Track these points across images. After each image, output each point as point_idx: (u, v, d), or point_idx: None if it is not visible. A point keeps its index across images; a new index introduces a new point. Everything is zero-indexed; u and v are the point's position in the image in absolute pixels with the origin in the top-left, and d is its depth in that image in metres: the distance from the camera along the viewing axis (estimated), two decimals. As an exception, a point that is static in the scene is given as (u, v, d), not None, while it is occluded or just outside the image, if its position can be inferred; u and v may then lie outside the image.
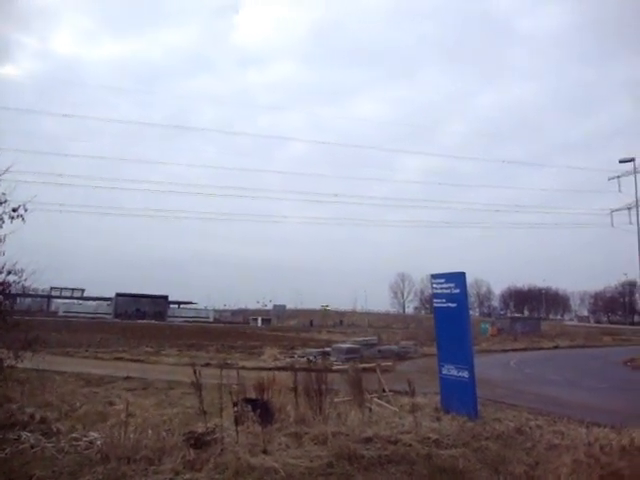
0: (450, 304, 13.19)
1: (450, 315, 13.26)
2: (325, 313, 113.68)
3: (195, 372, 9.73)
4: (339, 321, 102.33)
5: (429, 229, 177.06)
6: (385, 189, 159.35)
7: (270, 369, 19.78)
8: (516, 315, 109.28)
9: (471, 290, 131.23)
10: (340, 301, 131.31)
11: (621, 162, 37.67)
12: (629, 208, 51.30)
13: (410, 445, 10.61)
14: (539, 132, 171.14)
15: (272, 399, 12.23)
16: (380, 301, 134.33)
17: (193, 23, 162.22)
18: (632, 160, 36.54)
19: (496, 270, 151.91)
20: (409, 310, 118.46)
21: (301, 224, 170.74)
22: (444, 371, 13.57)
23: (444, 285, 13.30)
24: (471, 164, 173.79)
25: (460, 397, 12.94)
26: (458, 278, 13.06)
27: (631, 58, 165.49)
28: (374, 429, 11.31)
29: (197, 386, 9.98)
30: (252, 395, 11.98)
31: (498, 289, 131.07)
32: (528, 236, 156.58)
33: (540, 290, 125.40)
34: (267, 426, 10.88)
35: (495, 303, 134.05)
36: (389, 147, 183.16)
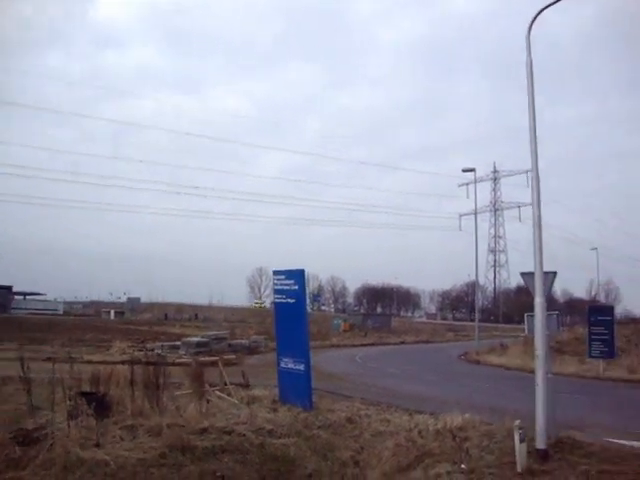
0: (289, 300, 13.64)
1: (289, 310, 13.71)
2: (179, 307, 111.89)
3: (23, 366, 9.44)
4: (194, 315, 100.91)
5: (289, 225, 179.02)
6: (245, 183, 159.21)
7: (115, 363, 19.35)
8: (368, 312, 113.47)
9: (327, 287, 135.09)
10: (197, 295, 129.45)
11: (464, 171, 40.52)
12: (478, 213, 55.14)
13: (244, 435, 10.97)
14: (395, 136, 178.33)
15: (110, 392, 12.12)
16: (237, 295, 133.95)
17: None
18: (473, 170, 39.41)
19: (352, 268, 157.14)
20: (265, 305, 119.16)
21: (159, 215, 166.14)
22: (282, 364, 14.02)
23: (284, 281, 13.73)
24: (330, 163, 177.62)
25: (296, 389, 13.47)
26: (298, 275, 13.51)
27: (475, 73, 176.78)
28: (211, 420, 11.55)
29: (25, 381, 9.71)
30: (89, 389, 11.81)
31: (353, 286, 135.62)
32: (383, 236, 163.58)
33: (392, 288, 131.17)
34: (103, 419, 10.79)
35: (350, 300, 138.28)
36: (249, 141, 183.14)
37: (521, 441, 8.65)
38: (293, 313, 13.68)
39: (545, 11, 9.96)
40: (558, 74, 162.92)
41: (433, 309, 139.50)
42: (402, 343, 51.78)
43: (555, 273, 10.21)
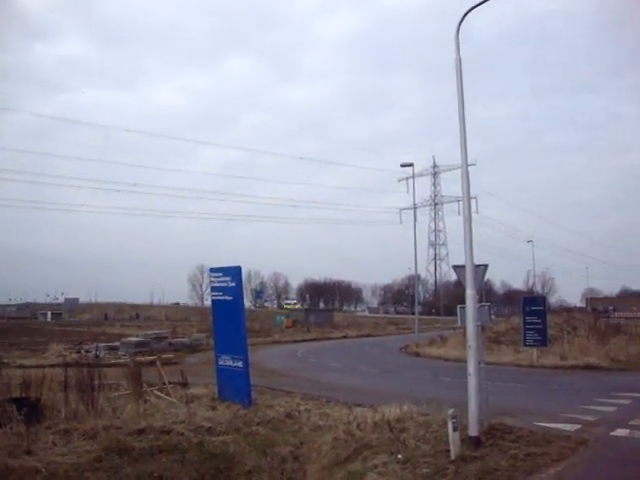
0: (227, 297, 13.59)
1: (227, 308, 13.68)
2: (120, 307, 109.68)
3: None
4: (135, 314, 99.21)
5: (230, 222, 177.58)
6: (185, 180, 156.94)
7: (48, 366, 18.85)
8: (311, 307, 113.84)
9: (269, 283, 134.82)
10: (138, 294, 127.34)
11: (402, 166, 41.10)
12: (417, 207, 56.04)
13: (183, 434, 10.90)
14: (335, 131, 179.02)
15: (43, 397, 11.83)
16: (179, 293, 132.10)
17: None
18: (411, 165, 40.06)
19: (294, 264, 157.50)
20: (207, 302, 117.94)
21: (97, 214, 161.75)
22: (220, 362, 13.98)
23: (221, 279, 13.67)
24: (269, 159, 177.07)
25: (235, 386, 13.45)
26: (234, 272, 13.48)
27: (415, 68, 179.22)
28: (149, 421, 11.43)
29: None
30: (20, 394, 11.50)
31: (296, 282, 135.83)
32: (324, 231, 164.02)
33: (335, 283, 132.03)
34: (35, 425, 10.54)
35: (292, 296, 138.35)
36: (188, 137, 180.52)
37: (454, 429, 8.88)
38: (231, 310, 13.65)
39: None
40: (501, 70, 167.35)
41: (375, 303, 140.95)
42: (344, 337, 52.18)
43: (486, 266, 10.50)
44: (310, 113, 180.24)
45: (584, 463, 8.81)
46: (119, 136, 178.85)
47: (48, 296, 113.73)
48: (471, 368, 9.50)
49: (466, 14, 10.16)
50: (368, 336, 56.14)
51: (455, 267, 10.68)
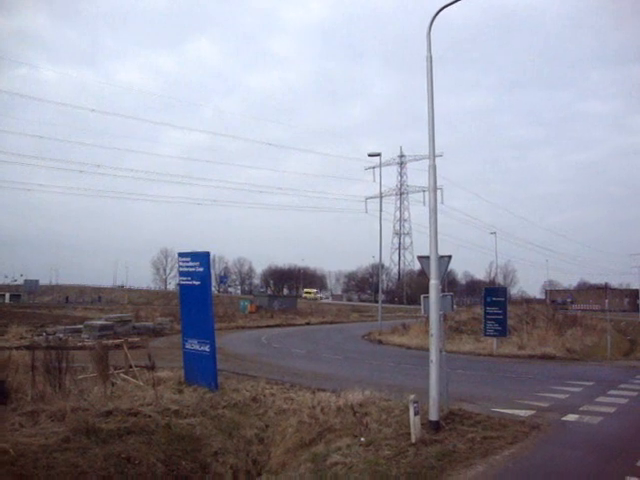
0: (194, 282, 13.73)
1: (194, 292, 13.81)
2: (82, 290, 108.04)
3: None
4: (97, 297, 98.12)
5: (195, 206, 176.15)
6: (149, 162, 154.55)
7: (13, 349, 18.74)
8: (275, 293, 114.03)
9: (233, 268, 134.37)
10: (100, 277, 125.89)
11: (370, 155, 41.31)
12: (383, 196, 56.62)
13: (150, 416, 11.07)
14: (302, 117, 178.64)
15: (8, 379, 11.86)
16: (142, 277, 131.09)
17: None
18: (379, 155, 40.30)
19: (259, 249, 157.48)
20: (171, 287, 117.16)
21: (58, 194, 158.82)
22: (187, 346, 14.12)
23: (190, 263, 13.79)
24: (237, 143, 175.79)
25: (202, 370, 13.63)
26: (203, 257, 13.62)
27: (380, 56, 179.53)
28: (116, 403, 11.57)
29: None
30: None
31: (260, 268, 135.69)
32: (290, 218, 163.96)
33: (299, 269, 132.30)
34: (0, 407, 10.59)
35: (256, 281, 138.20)
36: (154, 119, 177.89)
37: (415, 414, 9.25)
38: (198, 295, 13.79)
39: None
40: (472, 63, 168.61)
41: (339, 290, 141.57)
42: (308, 324, 52.39)
43: (450, 257, 10.85)
44: (277, 99, 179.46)
45: (536, 445, 9.31)
46: (81, 115, 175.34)
47: (6, 277, 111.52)
48: (433, 356, 9.86)
49: (437, 13, 10.45)
50: (332, 323, 56.50)
51: (420, 258, 11.01)
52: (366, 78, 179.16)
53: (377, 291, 55.08)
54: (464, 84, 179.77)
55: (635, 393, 15.03)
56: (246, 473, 10.88)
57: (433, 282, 9.87)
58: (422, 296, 10.89)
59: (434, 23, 10.56)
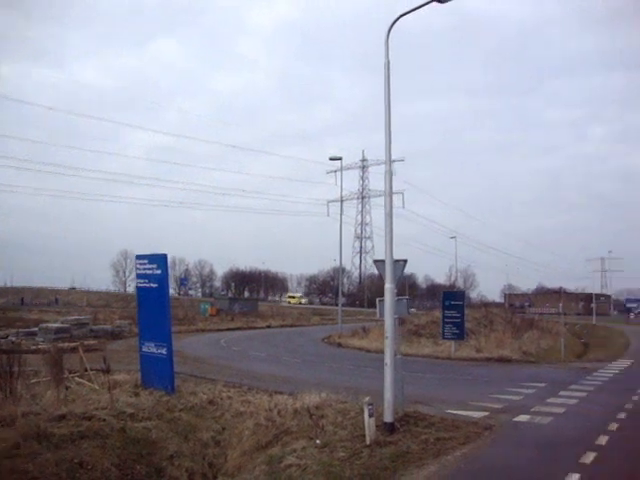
0: (152, 284, 13.65)
1: (151, 295, 13.73)
2: (38, 292, 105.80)
3: None
4: (55, 299, 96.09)
5: (156, 207, 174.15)
6: (111, 163, 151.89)
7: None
8: (236, 296, 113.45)
9: (194, 271, 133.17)
10: (58, 279, 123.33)
11: (331, 159, 41.53)
12: (344, 200, 57.05)
13: (104, 420, 10.95)
14: (267, 120, 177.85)
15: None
16: (102, 279, 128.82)
17: None
18: (340, 159, 40.55)
19: (220, 252, 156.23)
20: (130, 289, 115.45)
21: (13, 194, 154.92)
22: (144, 349, 14.02)
23: (147, 266, 13.70)
24: (201, 145, 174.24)
25: (159, 373, 13.55)
26: (160, 259, 13.54)
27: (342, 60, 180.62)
28: (69, 407, 11.40)
29: None
30: None
31: (221, 270, 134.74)
32: (252, 221, 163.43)
33: (260, 272, 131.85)
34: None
35: (218, 284, 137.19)
36: (116, 119, 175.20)
37: (370, 416, 9.35)
38: (156, 297, 13.71)
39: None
40: (437, 68, 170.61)
41: (300, 294, 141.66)
42: (268, 327, 52.27)
43: (405, 261, 11.01)
44: (243, 101, 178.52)
45: (487, 445, 9.55)
46: (39, 113, 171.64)
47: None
48: (388, 359, 9.98)
49: (395, 21, 10.58)
50: (292, 326, 56.45)
51: (376, 262, 11.15)
52: (333, 81, 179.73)
53: (338, 294, 55.30)
54: (430, 89, 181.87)
55: (584, 394, 15.43)
56: (202, 476, 10.85)
57: (388, 286, 9.99)
58: (378, 299, 11.01)
59: (393, 30, 10.71)
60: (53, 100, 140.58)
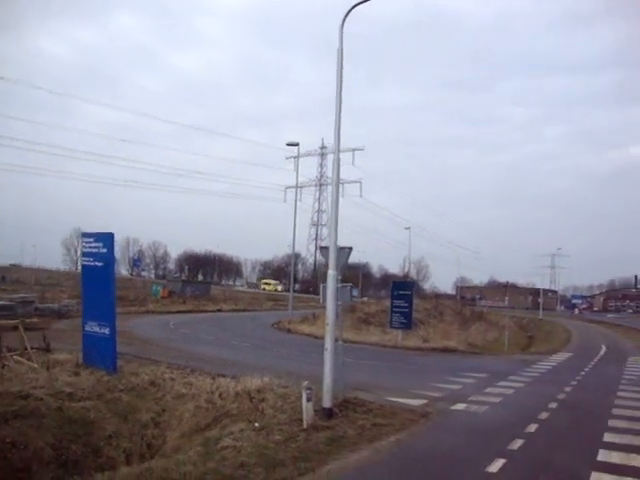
0: (97, 263, 13.48)
1: (97, 274, 13.57)
2: None
3: None
4: (1, 277, 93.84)
5: (111, 186, 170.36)
6: (65, 138, 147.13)
7: None
8: (189, 279, 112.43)
9: (148, 252, 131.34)
10: (5, 255, 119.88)
11: (288, 145, 41.33)
12: (301, 187, 57.12)
13: (41, 399, 10.81)
14: (226, 102, 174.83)
15: None
16: (52, 257, 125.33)
17: None
18: (297, 144, 40.40)
19: (175, 234, 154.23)
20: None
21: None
22: (87, 328, 13.87)
23: (93, 244, 13.52)
24: (158, 124, 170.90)
25: (101, 352, 13.43)
26: (107, 238, 13.38)
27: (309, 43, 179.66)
28: (5, 385, 11.22)
29: None
30: None
31: (175, 252, 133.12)
32: (208, 203, 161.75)
33: (215, 256, 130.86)
34: None
35: (171, 266, 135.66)
36: (71, 92, 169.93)
37: (308, 400, 9.47)
38: (101, 276, 13.56)
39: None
40: (398, 59, 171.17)
41: (255, 278, 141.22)
42: (219, 311, 52.01)
43: (351, 249, 11.12)
44: (201, 81, 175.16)
45: (421, 432, 9.80)
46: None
47: None
48: (328, 344, 10.13)
49: (350, 10, 10.62)
50: (244, 311, 56.35)
51: (321, 248, 11.26)
52: (296, 66, 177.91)
53: (296, 280, 55.52)
54: (393, 80, 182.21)
55: (522, 384, 15.91)
56: (140, 457, 10.79)
57: (331, 272, 10.10)
58: (321, 285, 11.11)
59: (347, 19, 10.76)
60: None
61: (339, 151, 10.36)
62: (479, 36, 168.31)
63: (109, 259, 13.41)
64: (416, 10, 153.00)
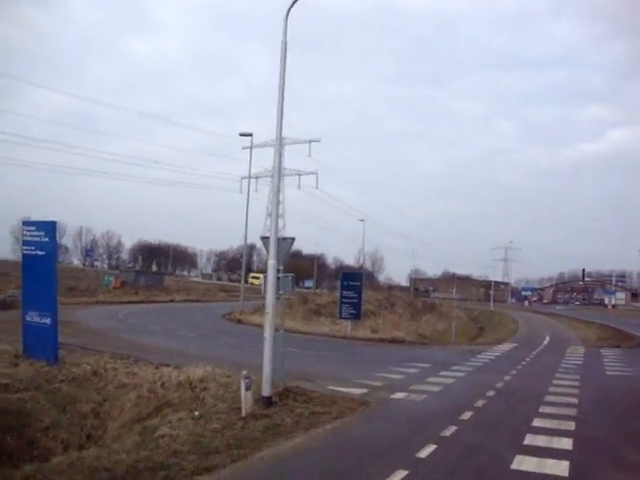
0: (39, 252, 13.29)
1: (38, 263, 13.38)
2: None
3: None
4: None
5: (62, 174, 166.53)
6: (10, 123, 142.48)
7: None
8: (143, 269, 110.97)
9: (101, 241, 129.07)
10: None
11: (241, 135, 41.03)
12: (257, 177, 56.91)
13: (-25, 390, 10.68)
14: (180, 90, 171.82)
15: None
16: (1, 247, 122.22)
17: None
18: (250, 135, 40.19)
19: (129, 223, 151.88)
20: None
21: None
22: (28, 318, 13.68)
23: (35, 233, 13.32)
24: (109, 111, 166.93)
25: (42, 343, 13.27)
26: (49, 227, 13.21)
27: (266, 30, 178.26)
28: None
29: None
30: None
31: (129, 242, 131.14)
32: (163, 193, 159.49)
33: (169, 246, 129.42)
34: None
35: (125, 256, 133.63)
36: (17, 75, 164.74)
37: (247, 389, 9.55)
38: (42, 266, 13.37)
39: None
40: (355, 51, 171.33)
41: (210, 269, 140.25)
42: (171, 301, 51.60)
43: (293, 239, 11.23)
44: (155, 68, 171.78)
45: (358, 420, 9.99)
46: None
47: None
48: (267, 333, 10.22)
49: (294, 2, 10.64)
50: (197, 301, 56.03)
51: (262, 238, 11.33)
52: (251, 56, 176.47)
53: (247, 271, 55.34)
54: (349, 72, 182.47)
55: (463, 374, 16.29)
56: (78, 447, 10.72)
57: (271, 262, 10.16)
58: (263, 276, 11.19)
59: (292, 10, 10.79)
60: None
61: (280, 144, 10.45)
62: (433, 32, 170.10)
63: (51, 248, 13.23)
64: (368, 2, 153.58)
